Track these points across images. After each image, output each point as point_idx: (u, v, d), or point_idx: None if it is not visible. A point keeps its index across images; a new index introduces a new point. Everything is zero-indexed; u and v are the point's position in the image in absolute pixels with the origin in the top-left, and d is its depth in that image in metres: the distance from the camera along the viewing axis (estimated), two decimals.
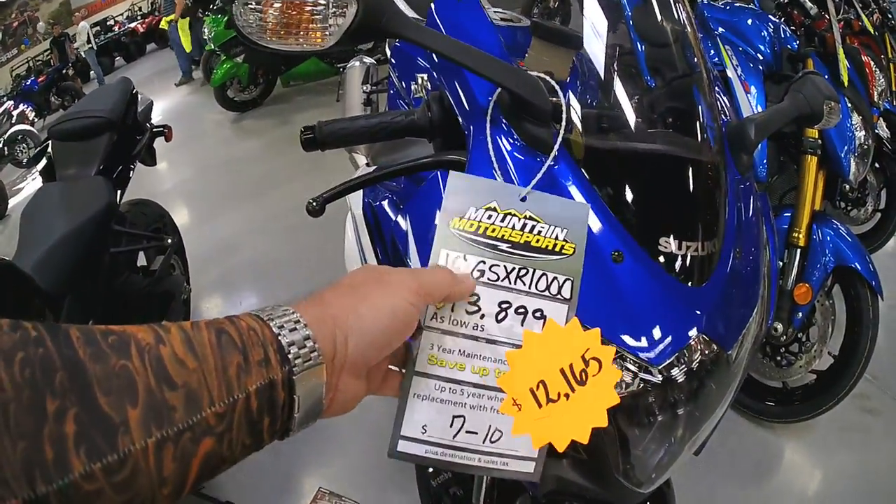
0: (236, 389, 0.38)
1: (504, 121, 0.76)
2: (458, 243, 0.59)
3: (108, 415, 0.32)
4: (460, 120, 0.82)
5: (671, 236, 0.73)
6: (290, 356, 0.42)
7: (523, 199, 0.62)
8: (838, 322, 2.06)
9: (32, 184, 2.07)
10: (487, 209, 0.61)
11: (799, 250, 2.02)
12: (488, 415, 0.58)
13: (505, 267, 0.59)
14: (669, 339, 0.69)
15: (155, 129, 2.46)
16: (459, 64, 0.67)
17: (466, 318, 0.59)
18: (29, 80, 10.76)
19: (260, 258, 3.60)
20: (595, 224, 0.71)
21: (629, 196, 0.76)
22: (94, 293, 1.99)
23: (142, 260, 2.58)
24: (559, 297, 0.60)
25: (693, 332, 0.71)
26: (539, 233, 0.61)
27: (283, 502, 2.06)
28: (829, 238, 2.01)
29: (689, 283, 0.73)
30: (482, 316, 0.59)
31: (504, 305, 0.59)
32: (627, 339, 0.68)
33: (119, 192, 2.19)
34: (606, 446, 0.73)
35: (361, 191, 1.27)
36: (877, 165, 2.82)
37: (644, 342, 0.68)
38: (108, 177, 2.12)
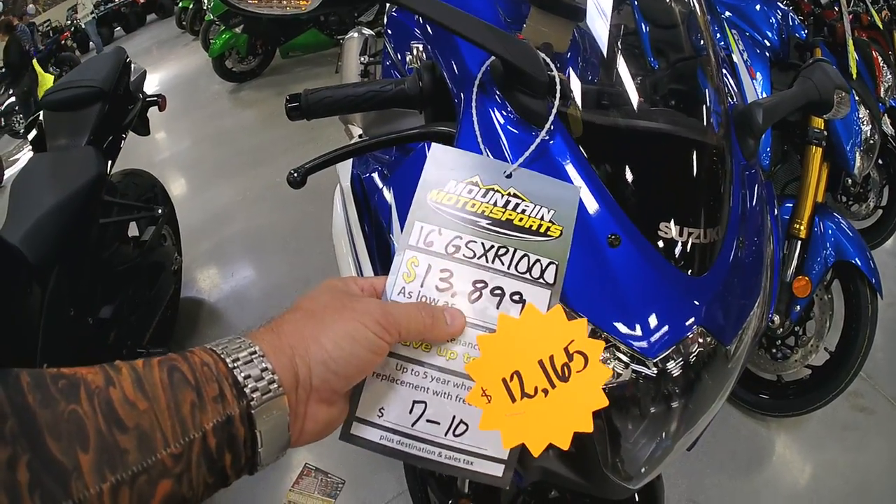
0: (191, 429, 0.38)
1: (497, 92, 0.71)
2: (433, 216, 0.56)
3: (60, 460, 0.32)
4: (451, 90, 0.78)
5: (672, 221, 0.68)
6: (246, 390, 0.41)
7: (509, 176, 0.58)
8: (836, 318, 2.04)
9: (28, 154, 2.07)
10: (469, 183, 0.57)
11: (799, 242, 1.98)
12: (453, 404, 0.53)
13: (483, 244, 0.56)
14: (666, 329, 0.65)
15: (148, 99, 2.42)
16: (449, 30, 0.63)
17: (436, 295, 0.55)
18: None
19: (253, 228, 3.57)
20: (591, 205, 0.66)
21: (629, 177, 0.72)
22: (83, 264, 1.97)
23: (134, 230, 2.55)
24: (541, 281, 0.56)
25: (691, 324, 0.67)
26: (523, 211, 0.57)
27: (269, 477, 2.05)
28: (830, 231, 1.98)
29: (689, 272, 0.68)
30: (453, 294, 0.55)
31: (479, 285, 0.55)
32: (620, 326, 0.64)
33: (109, 162, 2.16)
34: (594, 438, 0.69)
35: (350, 163, 1.23)
36: (880, 162, 2.79)
37: (638, 331, 0.64)
38: (98, 147, 2.10)
